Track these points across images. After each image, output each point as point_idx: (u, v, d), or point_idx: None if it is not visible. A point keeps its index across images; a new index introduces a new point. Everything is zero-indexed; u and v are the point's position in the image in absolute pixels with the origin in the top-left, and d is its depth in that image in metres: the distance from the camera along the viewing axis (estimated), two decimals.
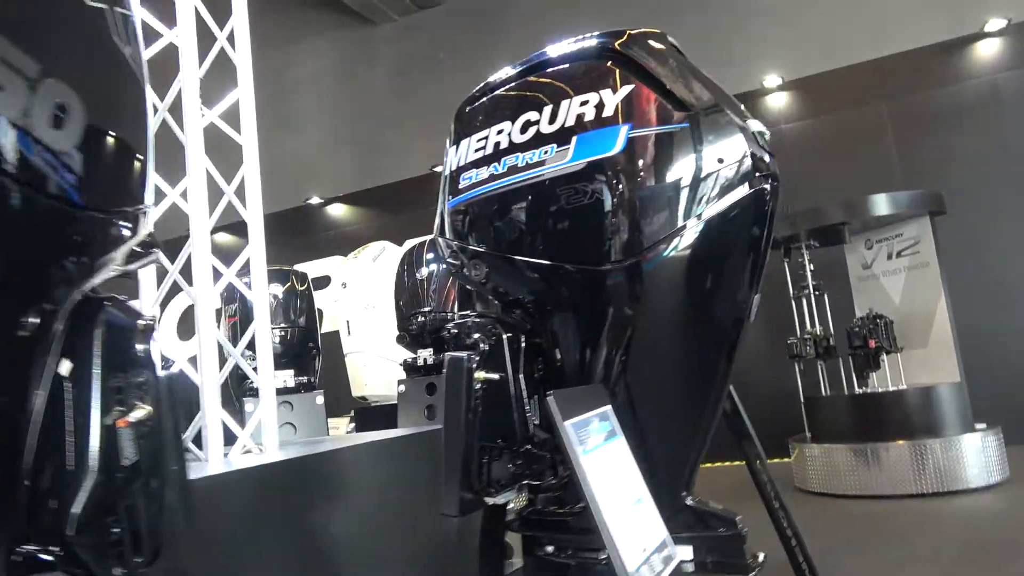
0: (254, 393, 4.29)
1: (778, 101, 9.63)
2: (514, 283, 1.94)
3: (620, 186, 1.75)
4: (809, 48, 9.32)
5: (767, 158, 1.80)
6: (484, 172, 1.93)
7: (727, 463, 9.10)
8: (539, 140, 1.84)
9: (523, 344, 2.03)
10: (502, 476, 1.99)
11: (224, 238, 14.00)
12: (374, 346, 5.80)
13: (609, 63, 1.81)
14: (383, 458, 2.79)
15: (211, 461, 2.50)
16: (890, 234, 7.29)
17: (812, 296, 7.48)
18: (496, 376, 1.96)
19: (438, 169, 2.23)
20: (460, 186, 1.99)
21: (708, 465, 9.06)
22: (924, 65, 8.85)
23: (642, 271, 1.74)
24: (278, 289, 4.24)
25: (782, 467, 7.62)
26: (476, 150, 1.96)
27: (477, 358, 2.00)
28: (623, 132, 1.75)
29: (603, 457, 1.43)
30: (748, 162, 1.71)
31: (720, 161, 1.72)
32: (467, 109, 2.04)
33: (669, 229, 1.71)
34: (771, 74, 9.46)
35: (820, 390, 7.32)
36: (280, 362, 4.21)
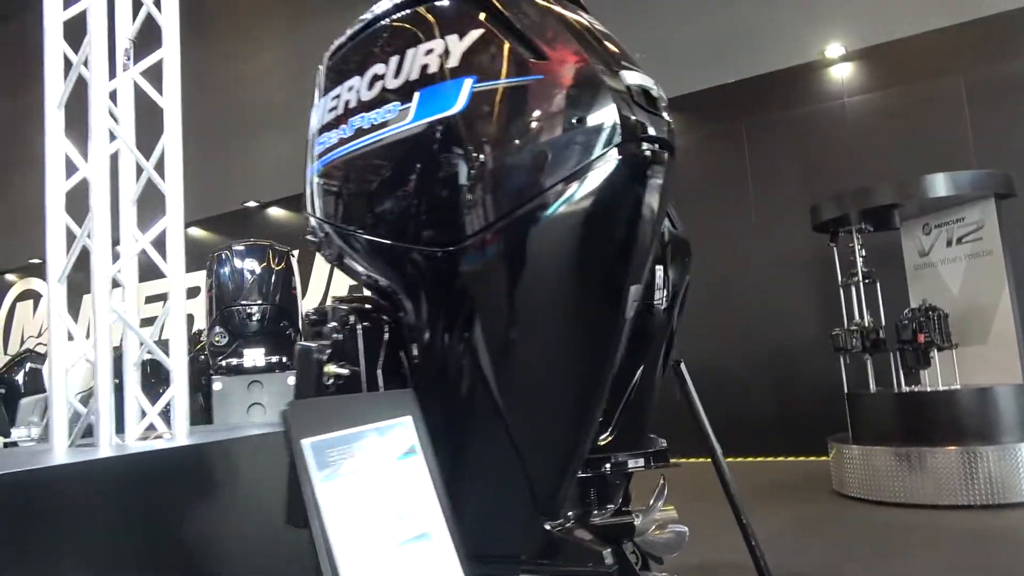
0: (225, 371, 4.21)
1: (840, 73, 8.90)
2: (363, 264, 1.68)
3: (460, 152, 1.46)
4: (876, 14, 8.54)
5: (646, 119, 1.46)
6: (334, 136, 1.67)
7: (777, 458, 8.58)
8: (383, 97, 1.56)
9: (386, 335, 1.77)
10: None
11: (278, 212, 14.30)
12: None
13: (459, 3, 1.51)
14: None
15: (100, 446, 2.35)
16: (950, 218, 6.59)
17: (861, 284, 6.88)
18: (347, 371, 1.71)
19: None
20: (316, 151, 1.74)
21: (748, 460, 8.57)
22: (1007, 32, 7.96)
23: (483, 255, 1.45)
24: (254, 265, 4.10)
25: (819, 467, 7.09)
26: (330, 109, 1.70)
27: (329, 349, 1.76)
28: (467, 86, 1.45)
29: (371, 481, 1.16)
30: (614, 123, 1.39)
31: (578, 122, 1.40)
32: (330, 59, 1.77)
33: (514, 204, 1.41)
34: (833, 43, 8.73)
35: (866, 386, 6.75)
36: (254, 340, 4.09)
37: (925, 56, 8.29)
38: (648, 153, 1.46)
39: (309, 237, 1.80)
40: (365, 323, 1.73)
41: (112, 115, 2.75)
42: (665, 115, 1.55)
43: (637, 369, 3.16)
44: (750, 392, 8.99)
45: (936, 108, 8.18)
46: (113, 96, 2.79)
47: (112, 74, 2.65)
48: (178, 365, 2.64)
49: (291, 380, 4.09)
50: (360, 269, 1.71)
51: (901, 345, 6.30)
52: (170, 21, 2.80)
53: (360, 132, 1.59)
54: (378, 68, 1.58)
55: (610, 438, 3.17)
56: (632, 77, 1.45)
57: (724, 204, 9.30)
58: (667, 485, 3.22)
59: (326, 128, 1.70)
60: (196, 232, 14.96)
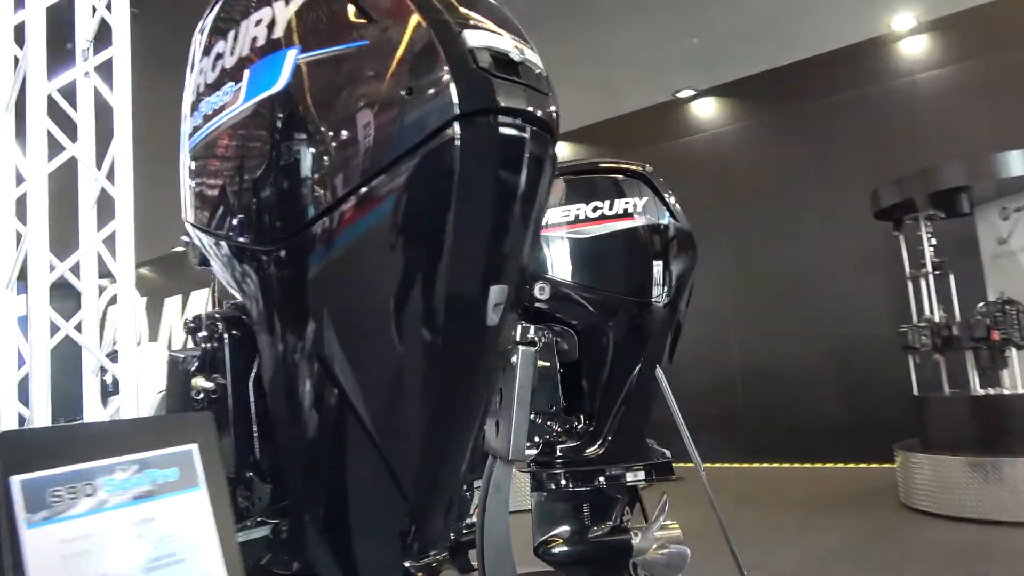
0: None
1: (911, 47, 8.20)
2: (215, 264, 1.50)
3: (283, 134, 1.26)
4: None
5: (497, 89, 1.22)
6: (188, 124, 1.50)
7: (846, 464, 7.98)
8: (220, 79, 1.38)
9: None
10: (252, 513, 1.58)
11: None
12: None
13: None
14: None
15: None
16: None
17: (931, 276, 6.27)
18: (212, 385, 1.54)
19: None
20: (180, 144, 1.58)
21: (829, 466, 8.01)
22: None
23: (309, 254, 1.24)
24: None
25: (885, 475, 6.52)
26: (188, 95, 1.53)
27: (196, 360, 1.60)
28: (290, 58, 1.25)
29: (114, 527, 0.98)
30: (450, 94, 1.16)
31: (408, 93, 1.18)
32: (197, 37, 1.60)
33: (338, 194, 1.20)
34: (902, 14, 8.03)
35: (938, 388, 6.15)
36: None
37: (1005, 25, 7.52)
38: (501, 130, 1.22)
39: (183, 237, 1.64)
40: (234, 332, 1.56)
41: (71, 118, 2.71)
42: (537, 86, 1.30)
43: (632, 371, 2.89)
44: (815, 394, 8.42)
45: (1017, 82, 7.40)
46: (72, 97, 2.76)
47: (55, 75, 2.60)
48: (126, 370, 2.55)
49: None
50: (213, 268, 1.54)
51: (974, 343, 5.69)
52: (120, 21, 2.73)
53: (206, 118, 1.41)
54: (219, 46, 1.41)
55: (601, 449, 2.92)
56: (479, 38, 1.21)
57: (783, 196, 8.76)
58: (670, 498, 2.95)
59: (187, 116, 1.53)
60: None
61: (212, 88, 1.41)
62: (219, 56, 1.41)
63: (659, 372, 2.51)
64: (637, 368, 2.85)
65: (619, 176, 3.02)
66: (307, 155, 1.25)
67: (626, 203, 2.91)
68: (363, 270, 1.26)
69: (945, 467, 5.49)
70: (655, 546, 2.95)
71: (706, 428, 9.28)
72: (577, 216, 2.88)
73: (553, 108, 1.34)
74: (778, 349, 8.62)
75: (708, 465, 8.11)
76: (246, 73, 1.33)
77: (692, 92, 9.41)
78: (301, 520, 1.46)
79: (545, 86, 1.34)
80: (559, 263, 2.87)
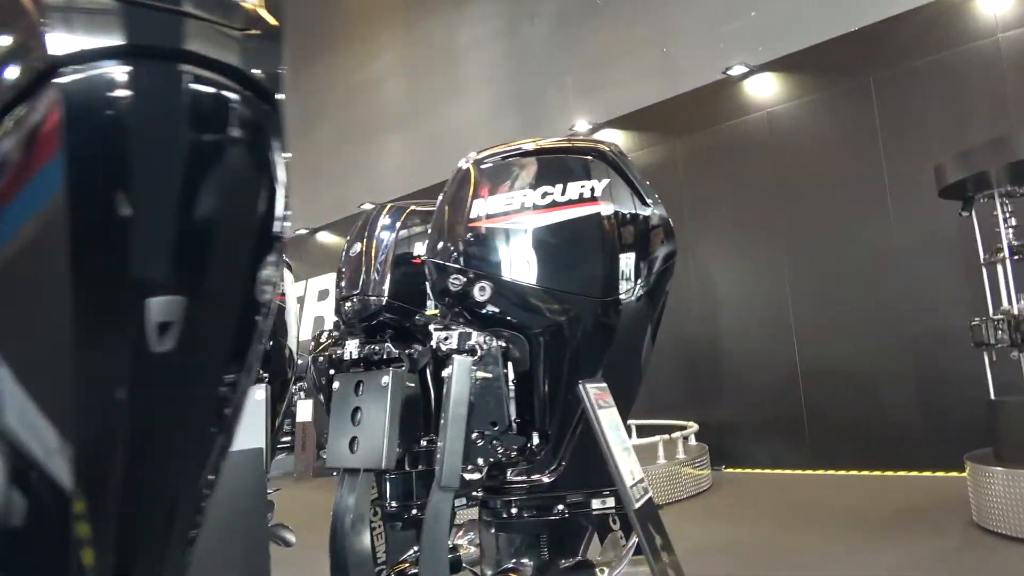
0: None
1: (993, 3, 7.26)
2: None
3: None
4: None
5: (124, 17, 0.86)
6: None
7: (922, 472, 7.13)
8: None
9: None
10: None
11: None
12: None
13: None
14: None
15: None
16: None
17: (1008, 262, 5.49)
18: None
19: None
20: None
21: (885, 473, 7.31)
22: None
23: None
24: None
25: (958, 487, 5.76)
26: None
27: None
28: None
29: None
30: (36, 37, 0.82)
31: None
32: None
33: None
34: None
35: (1016, 391, 5.37)
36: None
37: None
38: (115, 79, 0.86)
39: None
40: None
41: None
42: (219, 16, 0.93)
43: (585, 364, 2.50)
44: (882, 395, 7.65)
45: None
46: None
47: None
48: None
49: (259, 395, 3.75)
50: None
51: None
52: None
53: None
54: None
55: (560, 472, 2.52)
56: None
57: (846, 177, 7.99)
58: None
59: None
60: (325, 237, 15.51)
61: None
62: None
63: (582, 387, 2.10)
64: (592, 366, 2.45)
65: (573, 157, 2.63)
66: None
67: (581, 187, 2.51)
68: None
69: (1022, 483, 4.76)
70: None
71: (766, 431, 8.64)
72: (523, 204, 2.50)
73: (257, 47, 0.97)
74: (842, 346, 7.88)
75: (768, 471, 7.52)
76: None
77: (745, 69, 8.73)
78: None
79: (242, 17, 0.97)
80: (503, 259, 2.49)
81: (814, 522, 6.04)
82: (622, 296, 2.51)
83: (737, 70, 8.67)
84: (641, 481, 2.13)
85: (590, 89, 10.25)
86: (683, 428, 8.36)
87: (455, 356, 2.42)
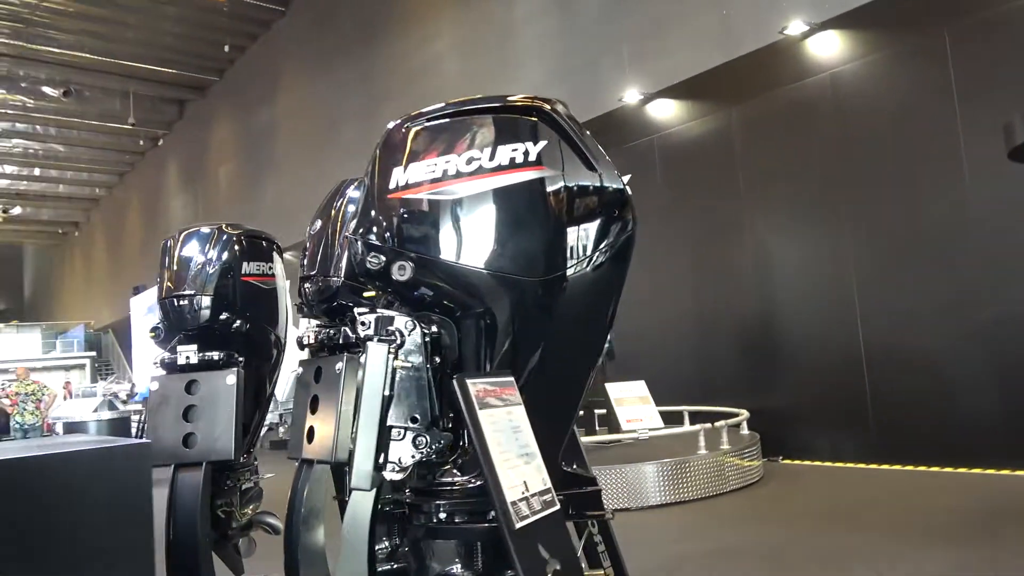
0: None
1: None
2: None
3: None
4: None
5: None
6: None
7: (1014, 472, 6.34)
8: None
9: None
10: None
11: None
12: None
13: None
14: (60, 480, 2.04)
15: None
16: None
17: None
18: None
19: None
20: None
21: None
22: None
23: None
24: (192, 251, 3.66)
25: None
26: None
27: None
28: None
29: None
30: None
31: None
32: None
33: None
34: None
35: None
36: (188, 334, 3.71)
37: None
38: None
39: None
40: None
41: None
42: None
43: (539, 367, 2.24)
44: (958, 381, 6.92)
45: None
46: None
47: None
48: None
49: (230, 379, 3.61)
50: None
51: None
52: None
53: None
54: None
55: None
56: None
57: (922, 139, 7.22)
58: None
59: None
60: None
61: None
62: None
63: (457, 384, 1.80)
64: (538, 360, 2.16)
65: (506, 116, 2.32)
66: None
67: (513, 150, 2.21)
68: None
69: None
70: None
71: (826, 420, 8.00)
72: (446, 172, 2.21)
73: None
74: (912, 328, 7.17)
75: (829, 464, 6.97)
76: None
77: (806, 27, 8.00)
78: None
79: None
80: (425, 235, 2.22)
81: (872, 523, 5.50)
82: (568, 273, 2.20)
83: (797, 28, 7.96)
84: (542, 493, 1.80)
85: (645, 58, 9.71)
86: (734, 415, 7.86)
87: (368, 344, 2.17)
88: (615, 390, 7.31)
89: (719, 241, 9.18)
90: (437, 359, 2.20)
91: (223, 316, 3.56)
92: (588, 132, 2.36)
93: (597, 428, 8.50)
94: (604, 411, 7.87)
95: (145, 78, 21.58)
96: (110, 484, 2.10)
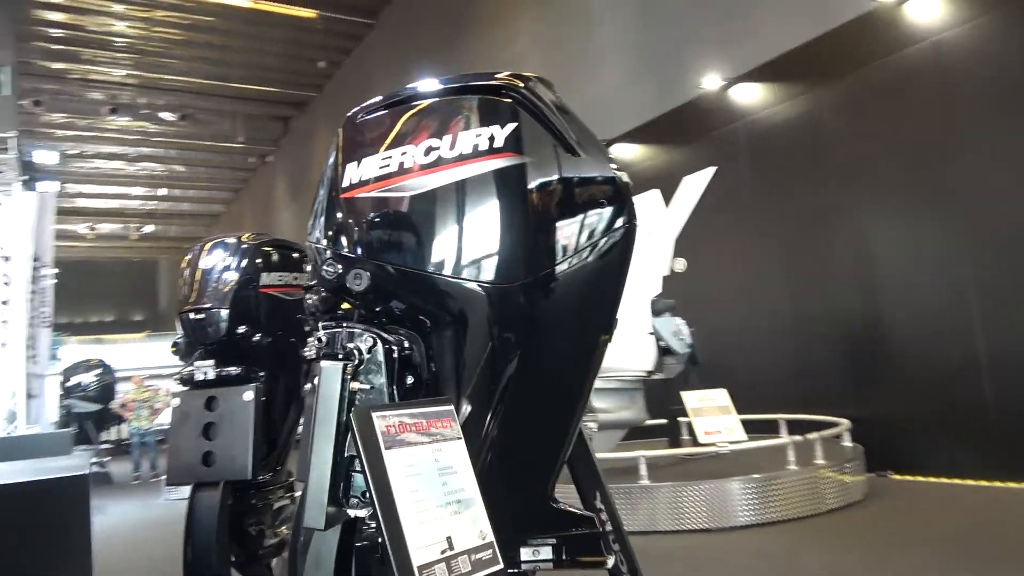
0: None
1: None
2: None
3: None
4: None
5: None
6: None
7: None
8: None
9: None
10: None
11: None
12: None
13: None
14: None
15: None
16: None
17: None
18: None
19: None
20: None
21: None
22: None
23: None
24: (211, 263, 3.55)
25: None
26: None
27: None
28: None
29: None
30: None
31: None
32: None
33: None
34: None
35: None
36: (208, 349, 3.60)
37: None
38: None
39: None
40: None
41: None
42: None
43: (519, 380, 1.96)
44: None
45: None
46: None
47: None
48: None
49: (247, 396, 3.46)
50: None
51: None
52: None
53: None
54: None
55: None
56: None
57: (1011, 120, 6.30)
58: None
59: None
60: None
61: None
62: None
63: (355, 420, 1.50)
64: (522, 376, 1.86)
65: (468, 98, 2.03)
66: None
67: (476, 137, 1.93)
68: None
69: None
70: None
71: (942, 432, 7.11)
72: (402, 165, 1.97)
73: None
74: (1005, 334, 6.26)
75: (944, 480, 6.20)
76: None
77: None
78: None
79: None
80: (381, 239, 1.97)
81: (994, 551, 4.79)
82: (550, 275, 1.90)
83: None
84: (477, 551, 1.46)
85: (728, 41, 9.07)
86: (835, 426, 7.13)
87: (322, 363, 1.91)
88: (692, 399, 6.77)
89: (815, 233, 8.42)
90: (410, 379, 1.92)
91: (241, 329, 3.43)
92: (572, 112, 2.02)
93: (682, 439, 7.98)
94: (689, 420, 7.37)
95: (251, 98, 22.62)
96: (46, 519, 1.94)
